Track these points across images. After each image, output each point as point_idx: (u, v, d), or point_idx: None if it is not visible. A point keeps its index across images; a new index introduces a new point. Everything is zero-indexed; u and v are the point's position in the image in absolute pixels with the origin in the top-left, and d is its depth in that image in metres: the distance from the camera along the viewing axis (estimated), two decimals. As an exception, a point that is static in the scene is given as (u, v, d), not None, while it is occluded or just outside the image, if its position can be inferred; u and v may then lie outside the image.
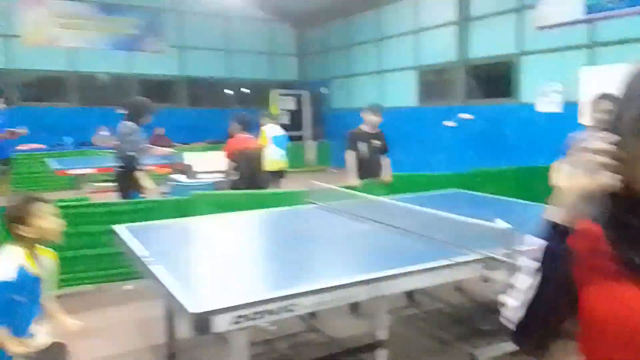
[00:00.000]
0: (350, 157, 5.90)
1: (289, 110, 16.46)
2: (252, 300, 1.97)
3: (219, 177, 6.00)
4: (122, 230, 3.17)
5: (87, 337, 3.64)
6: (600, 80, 8.10)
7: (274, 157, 7.17)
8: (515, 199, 4.57)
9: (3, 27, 12.62)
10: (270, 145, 7.31)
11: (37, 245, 2.35)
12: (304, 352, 3.45)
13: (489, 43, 10.26)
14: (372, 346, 2.68)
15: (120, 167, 5.32)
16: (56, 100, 13.93)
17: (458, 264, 2.50)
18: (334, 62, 15.48)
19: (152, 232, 3.28)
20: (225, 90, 16.64)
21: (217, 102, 16.55)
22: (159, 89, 15.58)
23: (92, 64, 14.02)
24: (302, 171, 12.79)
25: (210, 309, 1.89)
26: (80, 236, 4.29)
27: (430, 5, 11.61)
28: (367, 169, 5.87)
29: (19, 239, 2.29)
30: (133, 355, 3.42)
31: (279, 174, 7.81)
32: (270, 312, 2.01)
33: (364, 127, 5.99)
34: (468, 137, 10.80)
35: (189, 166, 6.46)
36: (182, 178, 6.51)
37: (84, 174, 7.24)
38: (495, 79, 10.53)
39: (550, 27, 8.79)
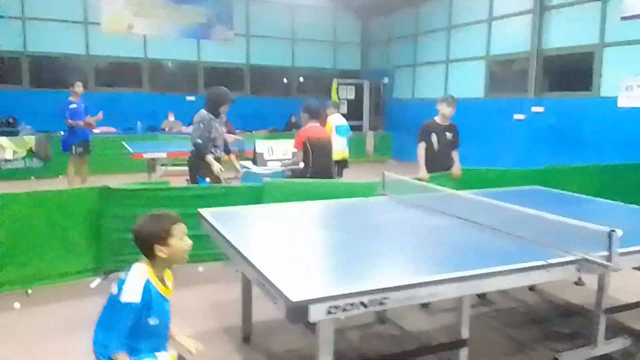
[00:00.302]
0: (421, 149, 5.79)
1: (348, 100, 16.43)
2: (347, 292, 1.97)
3: (288, 165, 6.06)
4: (208, 213, 3.27)
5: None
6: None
7: (337, 147, 7.16)
8: (599, 198, 4.34)
9: (84, 15, 13.30)
10: (334, 135, 7.31)
11: (167, 267, 2.28)
12: (376, 345, 3.45)
13: (568, 33, 9.73)
14: (455, 344, 2.63)
15: (192, 152, 5.48)
16: (128, 86, 14.56)
17: (552, 265, 2.40)
18: (398, 51, 15.22)
19: (235, 217, 3.36)
20: (285, 79, 16.78)
21: (278, 90, 16.75)
22: (224, 77, 15.93)
23: (163, 51, 14.53)
24: (361, 162, 12.76)
25: (308, 298, 1.91)
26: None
27: (505, -7, 11.17)
28: (438, 161, 5.73)
29: (153, 259, 2.19)
30: (209, 335, 3.53)
31: (342, 164, 7.81)
32: (364, 305, 2.01)
33: (438, 119, 5.85)
34: (539, 133, 10.35)
35: (260, 154, 6.55)
36: (251, 165, 6.63)
37: (157, 158, 7.53)
38: (573, 72, 9.97)
39: (636, 17, 8.22)
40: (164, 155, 7.49)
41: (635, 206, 3.94)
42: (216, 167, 5.32)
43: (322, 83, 16.92)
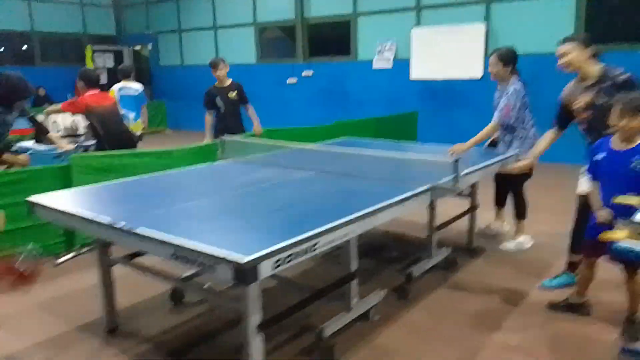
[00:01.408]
0: (207, 117, 5.97)
1: (107, 68, 14.98)
2: (285, 244, 2.01)
3: (75, 140, 5.34)
4: (48, 199, 2.77)
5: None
6: (427, 39, 9.30)
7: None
8: (397, 141, 5.22)
9: None
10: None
11: None
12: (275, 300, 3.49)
13: (327, 3, 10.77)
14: (346, 279, 2.91)
15: None
16: None
17: (417, 194, 2.85)
18: (160, 16, 14.44)
19: (82, 197, 2.92)
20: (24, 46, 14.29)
21: (18, 59, 14.17)
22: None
23: None
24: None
25: (256, 257, 1.88)
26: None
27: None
28: (228, 124, 5.88)
29: None
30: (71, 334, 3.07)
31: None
32: (298, 254, 2.08)
33: (217, 84, 5.99)
34: (311, 94, 11.34)
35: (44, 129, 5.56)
36: (31, 144, 5.62)
37: None
38: (335, 38, 11.14)
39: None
40: None
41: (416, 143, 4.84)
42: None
43: (73, 50, 14.98)
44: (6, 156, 4.35)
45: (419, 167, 3.42)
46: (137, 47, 15.35)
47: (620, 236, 2.19)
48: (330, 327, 2.81)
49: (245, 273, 1.86)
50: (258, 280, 1.92)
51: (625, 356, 2.53)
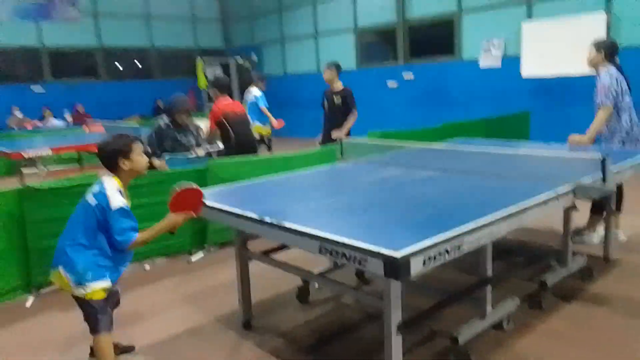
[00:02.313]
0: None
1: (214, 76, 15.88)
2: (434, 242, 1.98)
3: (208, 146, 5.70)
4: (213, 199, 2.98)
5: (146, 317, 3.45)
6: (539, 33, 8.77)
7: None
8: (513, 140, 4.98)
9: None
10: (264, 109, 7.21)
11: (128, 181, 2.59)
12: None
13: (428, 2, 10.57)
14: (481, 284, 2.82)
15: None
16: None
17: (559, 195, 2.68)
18: (263, 27, 15.08)
19: (228, 196, 3.10)
20: (135, 61, 15.58)
21: (139, 73, 15.53)
22: (74, 62, 14.29)
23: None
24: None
25: (410, 252, 1.87)
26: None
27: (366, -34, 11.68)
28: (329, 127, 6.03)
29: (118, 172, 2.53)
30: (205, 327, 3.28)
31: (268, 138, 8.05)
32: (447, 252, 2.04)
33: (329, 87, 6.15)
34: (412, 96, 11.19)
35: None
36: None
37: (40, 156, 6.51)
38: (437, 38, 10.92)
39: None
40: (47, 151, 6.50)
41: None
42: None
43: (186, 63, 16.11)
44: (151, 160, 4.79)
45: (552, 165, 3.22)
46: (239, 59, 16.08)
47: None
48: (465, 334, 2.71)
49: (398, 268, 1.86)
50: (410, 276, 1.90)
51: None
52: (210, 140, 5.61)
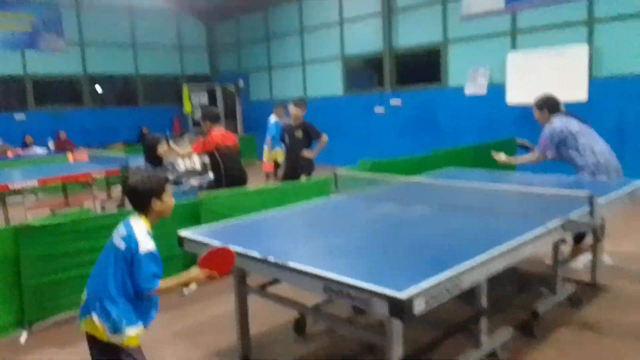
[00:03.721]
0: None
1: (201, 105, 15.98)
2: (435, 282, 2.05)
3: (201, 178, 5.76)
4: (197, 235, 3.02)
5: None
6: (523, 63, 9.07)
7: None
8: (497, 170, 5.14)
9: None
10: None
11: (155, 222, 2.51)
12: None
13: (416, 32, 10.84)
14: (477, 315, 2.89)
15: None
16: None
17: (550, 230, 2.78)
18: (251, 54, 15.28)
19: (226, 233, 3.14)
20: (128, 88, 15.63)
21: (124, 100, 15.56)
22: (59, 90, 14.30)
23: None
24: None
25: (414, 293, 1.94)
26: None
27: (353, -4, 12.00)
28: (293, 161, 6.30)
29: (148, 213, 2.47)
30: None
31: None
32: (447, 290, 2.12)
33: (289, 120, 6.34)
34: (400, 123, 11.38)
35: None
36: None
37: (25, 187, 6.43)
38: (424, 66, 11.17)
39: (474, 16, 9.59)
40: (34, 182, 6.43)
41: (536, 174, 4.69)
42: None
43: (172, 89, 16.22)
44: None
45: (541, 199, 3.34)
46: (240, 84, 16.11)
47: None
48: (463, 365, 2.77)
49: (402, 308, 1.93)
50: (414, 316, 1.97)
51: None
52: (202, 172, 5.67)
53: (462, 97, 10.12)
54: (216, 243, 2.84)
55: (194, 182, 5.42)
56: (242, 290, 3.18)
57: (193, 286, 4.30)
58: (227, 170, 5.65)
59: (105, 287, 2.32)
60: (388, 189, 4.07)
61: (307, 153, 6.22)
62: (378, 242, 2.83)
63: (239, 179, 5.74)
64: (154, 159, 5.15)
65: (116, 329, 2.32)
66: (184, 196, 4.87)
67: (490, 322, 3.13)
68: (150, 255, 2.34)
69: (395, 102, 11.43)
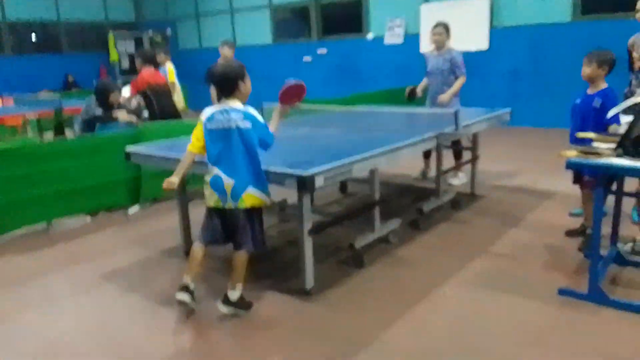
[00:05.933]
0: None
1: (128, 54, 15.76)
2: (330, 166, 2.82)
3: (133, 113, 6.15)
4: (140, 149, 3.60)
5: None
6: (435, 14, 9.92)
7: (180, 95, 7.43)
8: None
9: None
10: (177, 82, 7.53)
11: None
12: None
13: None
14: (371, 205, 3.72)
15: None
16: None
17: (426, 138, 3.63)
18: (178, 2, 15.15)
19: (172, 148, 3.74)
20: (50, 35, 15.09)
21: (47, 47, 15.03)
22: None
23: None
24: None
25: (313, 172, 2.69)
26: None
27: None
28: None
29: (238, 95, 2.80)
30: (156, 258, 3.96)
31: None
32: (342, 174, 2.89)
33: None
34: (326, 70, 12.05)
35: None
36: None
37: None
38: (347, 17, 11.81)
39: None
40: None
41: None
42: None
43: (97, 37, 15.79)
44: None
45: (427, 122, 4.19)
46: (168, 32, 15.85)
47: (571, 154, 2.90)
48: (359, 241, 3.59)
49: (305, 182, 2.68)
50: (315, 189, 2.72)
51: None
52: (136, 110, 6.08)
53: (381, 46, 10.92)
54: (159, 153, 3.44)
55: (132, 117, 5.84)
56: (183, 197, 3.82)
57: (136, 207, 4.91)
58: (160, 108, 6.11)
59: (250, 167, 2.77)
60: (305, 118, 4.78)
61: None
62: (295, 149, 3.57)
63: (173, 115, 6.22)
64: (106, 105, 5.46)
65: (268, 193, 2.86)
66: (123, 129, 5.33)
67: (387, 218, 4.00)
68: (265, 122, 2.83)
69: (321, 51, 12.04)
